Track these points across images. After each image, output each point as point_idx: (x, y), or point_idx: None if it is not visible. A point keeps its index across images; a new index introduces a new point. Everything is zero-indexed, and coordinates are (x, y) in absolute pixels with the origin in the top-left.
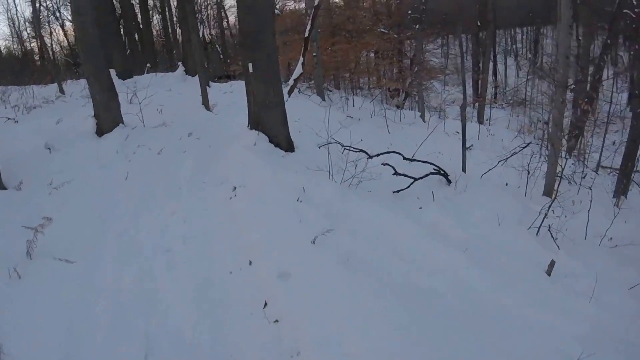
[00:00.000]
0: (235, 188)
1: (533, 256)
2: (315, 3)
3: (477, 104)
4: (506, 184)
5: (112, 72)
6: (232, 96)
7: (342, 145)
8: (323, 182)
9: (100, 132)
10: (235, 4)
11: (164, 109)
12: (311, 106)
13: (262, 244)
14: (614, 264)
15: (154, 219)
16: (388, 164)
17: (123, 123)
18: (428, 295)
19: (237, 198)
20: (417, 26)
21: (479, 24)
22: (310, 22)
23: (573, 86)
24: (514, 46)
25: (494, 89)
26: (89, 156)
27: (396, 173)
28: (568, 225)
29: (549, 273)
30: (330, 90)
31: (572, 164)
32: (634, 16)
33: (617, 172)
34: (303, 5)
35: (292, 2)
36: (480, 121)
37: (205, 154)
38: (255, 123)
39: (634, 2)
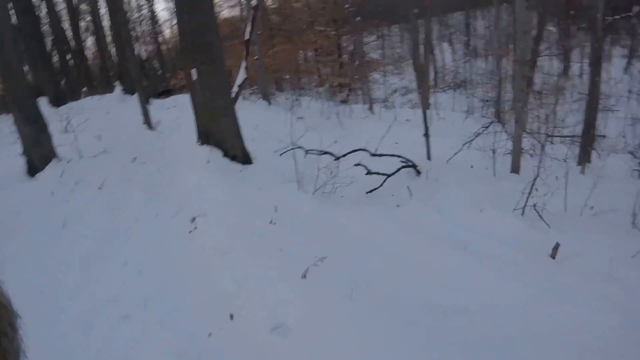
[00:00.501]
0: (194, 218)
1: (529, 240)
2: (254, 4)
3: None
4: (471, 167)
5: (45, 100)
6: (176, 111)
7: (305, 150)
8: (294, 196)
9: (32, 171)
10: (172, 9)
11: (103, 134)
12: (261, 112)
13: (241, 288)
14: (607, 235)
15: (103, 277)
16: (360, 164)
17: (57, 157)
18: (448, 316)
19: (199, 231)
20: (358, 18)
21: (416, 11)
22: (250, 24)
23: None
24: (448, 31)
25: (434, 74)
26: (20, 203)
27: (369, 172)
28: (543, 199)
29: (553, 256)
30: (274, 94)
31: (524, 137)
32: None
33: (571, 140)
34: (238, 12)
35: (227, 8)
36: (424, 105)
37: (154, 180)
38: (205, 137)
39: None
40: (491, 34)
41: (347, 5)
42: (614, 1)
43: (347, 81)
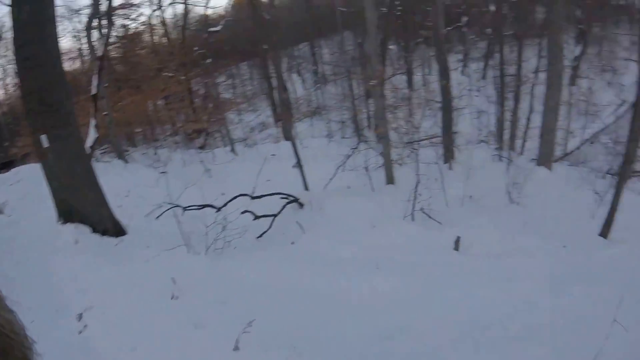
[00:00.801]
0: (80, 315)
1: (429, 241)
2: (99, 54)
3: (281, 123)
4: (348, 187)
5: None
6: (23, 186)
7: (183, 207)
8: (187, 261)
9: None
10: (7, 65)
11: None
12: (119, 172)
13: None
14: (492, 216)
15: None
16: (248, 211)
17: None
18: (395, 339)
19: (92, 329)
20: (209, 60)
21: (265, 47)
22: (96, 76)
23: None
24: (295, 62)
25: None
26: None
27: (257, 217)
28: (428, 201)
29: (457, 249)
30: (127, 150)
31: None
32: (399, 14)
33: (431, 142)
34: (79, 64)
35: (67, 61)
36: (288, 137)
37: (16, 278)
38: (66, 213)
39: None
40: (337, 59)
41: (195, 48)
42: (446, 14)
43: (203, 126)
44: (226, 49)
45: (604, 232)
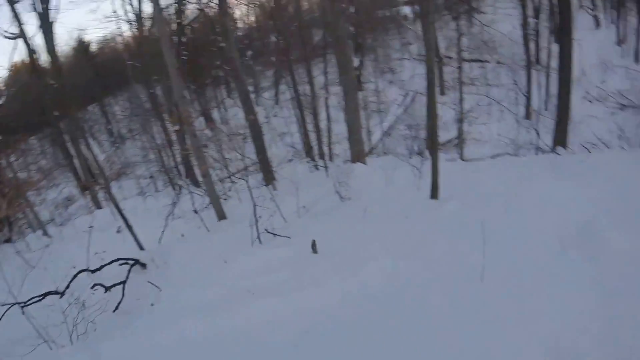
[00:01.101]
0: None
1: (285, 255)
2: None
3: (88, 192)
4: (182, 235)
5: None
6: None
7: (21, 305)
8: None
9: None
10: None
11: None
12: None
13: None
14: (325, 219)
15: None
16: (98, 284)
17: None
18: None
19: None
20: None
21: (56, 114)
22: None
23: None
24: (87, 125)
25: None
26: None
27: (108, 289)
28: (269, 221)
29: (315, 251)
30: None
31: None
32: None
33: (249, 170)
34: None
35: None
36: (99, 206)
37: None
38: None
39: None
40: (131, 114)
41: None
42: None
43: (3, 214)
44: (13, 124)
45: (434, 195)
